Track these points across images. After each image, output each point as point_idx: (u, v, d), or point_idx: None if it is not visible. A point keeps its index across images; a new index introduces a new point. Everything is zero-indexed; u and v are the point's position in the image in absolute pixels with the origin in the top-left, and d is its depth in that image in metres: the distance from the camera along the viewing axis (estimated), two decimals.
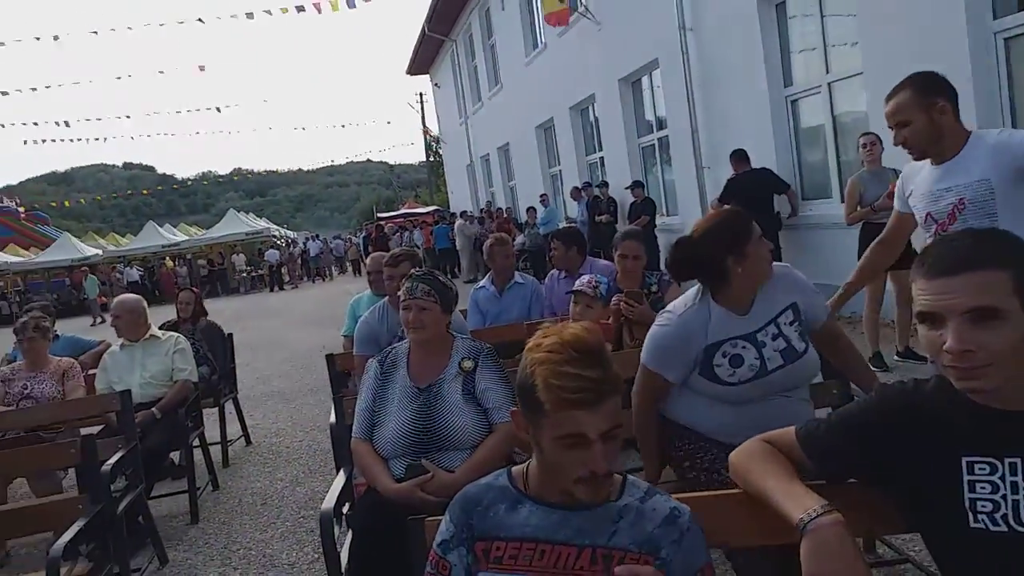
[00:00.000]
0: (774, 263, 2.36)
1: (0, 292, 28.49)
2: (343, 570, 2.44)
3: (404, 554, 2.10)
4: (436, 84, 27.14)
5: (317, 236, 34.68)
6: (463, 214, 20.18)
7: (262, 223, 32.98)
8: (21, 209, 38.60)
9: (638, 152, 12.43)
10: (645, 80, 11.88)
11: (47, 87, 18.54)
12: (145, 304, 4.94)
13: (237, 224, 29.97)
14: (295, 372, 8.89)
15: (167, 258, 30.20)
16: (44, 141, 39.86)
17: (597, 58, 12.66)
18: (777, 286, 2.34)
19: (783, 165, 8.23)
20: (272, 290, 26.42)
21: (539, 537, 1.40)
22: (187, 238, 30.87)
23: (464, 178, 24.99)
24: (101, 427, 4.43)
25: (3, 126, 46.58)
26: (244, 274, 28.44)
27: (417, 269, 2.92)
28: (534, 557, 1.39)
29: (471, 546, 1.44)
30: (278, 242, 30.95)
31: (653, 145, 12.02)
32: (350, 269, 31.25)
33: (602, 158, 13.90)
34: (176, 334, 4.91)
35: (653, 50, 10.68)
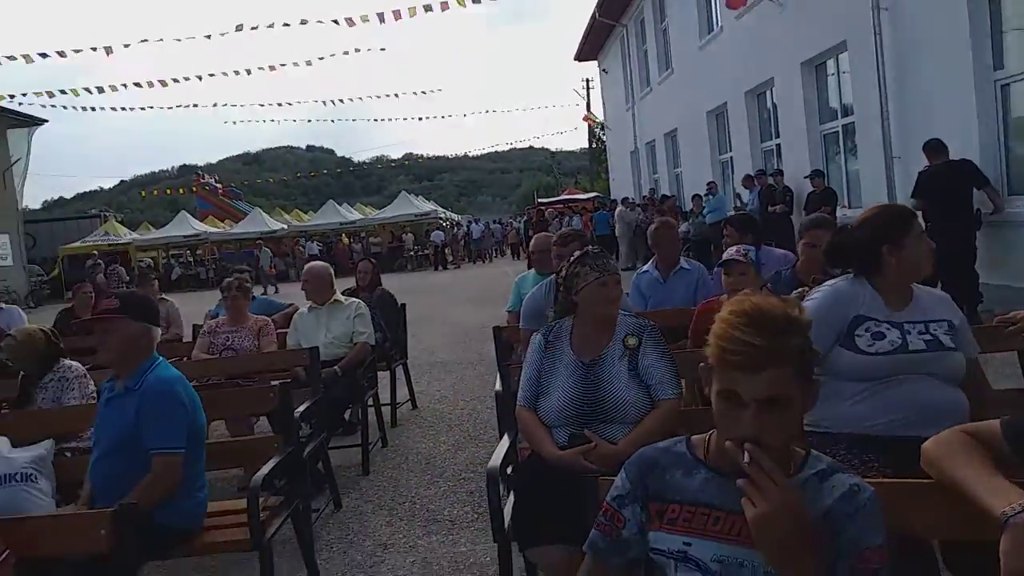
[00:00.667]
0: (937, 291, 2.40)
1: (200, 259, 31.77)
2: (505, 526, 2.55)
3: (563, 516, 2.18)
4: (604, 70, 27.01)
5: (479, 220, 35.74)
6: (624, 201, 20.02)
7: (429, 205, 34.45)
8: (219, 185, 42.70)
9: (819, 139, 11.75)
10: (830, 63, 11.20)
11: (236, 72, 20.09)
12: (331, 271, 5.35)
13: (408, 205, 31.50)
14: (457, 345, 9.26)
15: (343, 235, 32.30)
16: (237, 123, 43.58)
17: (778, 41, 12.08)
18: (940, 303, 2.35)
19: (987, 157, 7.49)
20: (436, 269, 27.55)
21: (714, 504, 1.41)
22: (362, 216, 32.83)
23: (627, 165, 24.75)
24: (289, 380, 4.86)
25: (205, 107, 51.41)
26: (412, 253, 29.84)
27: (593, 247, 2.94)
28: (708, 522, 1.40)
29: (645, 504, 1.47)
30: (443, 224, 32.19)
31: (836, 132, 11.32)
32: (509, 252, 31.96)
33: (778, 145, 13.28)
34: (357, 300, 5.28)
35: (841, 32, 10.04)
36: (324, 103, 71.73)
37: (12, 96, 19.55)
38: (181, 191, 45.45)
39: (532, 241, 5.25)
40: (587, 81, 35.01)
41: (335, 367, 4.79)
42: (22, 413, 3.61)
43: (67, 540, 1.98)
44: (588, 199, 28.36)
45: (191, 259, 32.48)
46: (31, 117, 25.47)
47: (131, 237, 30.99)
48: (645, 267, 4.98)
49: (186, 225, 31.31)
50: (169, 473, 2.64)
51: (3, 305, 7.99)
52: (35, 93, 20.38)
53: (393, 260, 28.99)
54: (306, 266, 5.43)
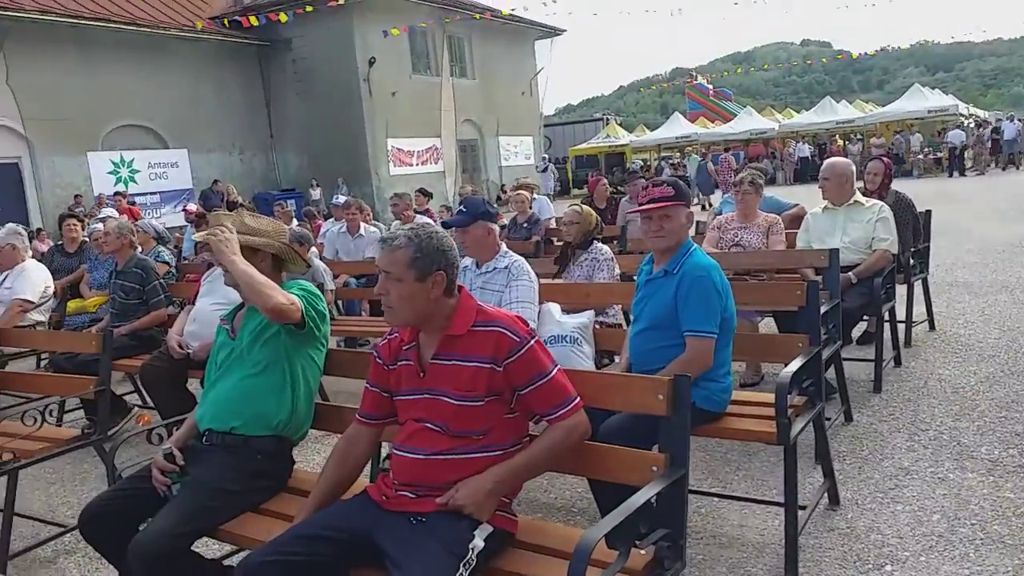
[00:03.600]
0: None
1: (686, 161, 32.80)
2: None
3: None
4: None
5: (1012, 117, 29.49)
6: None
7: (948, 99, 29.55)
8: (710, 87, 43.02)
9: None
10: None
11: None
12: (853, 168, 4.91)
13: (918, 100, 27.57)
14: (982, 265, 7.90)
15: (837, 136, 29.94)
16: (725, 19, 42.64)
17: None
18: None
19: None
20: (951, 175, 23.86)
21: None
22: (861, 115, 29.85)
23: None
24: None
25: (695, 10, 51.35)
26: (920, 156, 26.30)
27: None
28: None
29: None
30: (965, 122, 27.47)
31: None
32: None
33: None
34: (880, 203, 4.78)
35: None
36: None
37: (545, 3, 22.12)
38: (672, 94, 47.10)
39: None
40: None
41: (849, 273, 4.45)
42: (567, 285, 4.14)
43: (629, 398, 2.19)
44: None
45: (681, 160, 33.80)
46: (554, 28, 28.79)
47: (628, 139, 33.43)
48: None
49: (677, 126, 32.49)
50: (702, 354, 2.75)
51: (536, 196, 9.34)
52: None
53: (895, 164, 25.96)
54: (826, 162, 5.09)
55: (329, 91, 21.72)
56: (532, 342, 2.10)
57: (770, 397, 2.74)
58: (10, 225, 5.95)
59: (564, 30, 29.43)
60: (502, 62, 27.11)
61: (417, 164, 24.01)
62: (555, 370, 2.11)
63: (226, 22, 20.35)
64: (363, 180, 22.04)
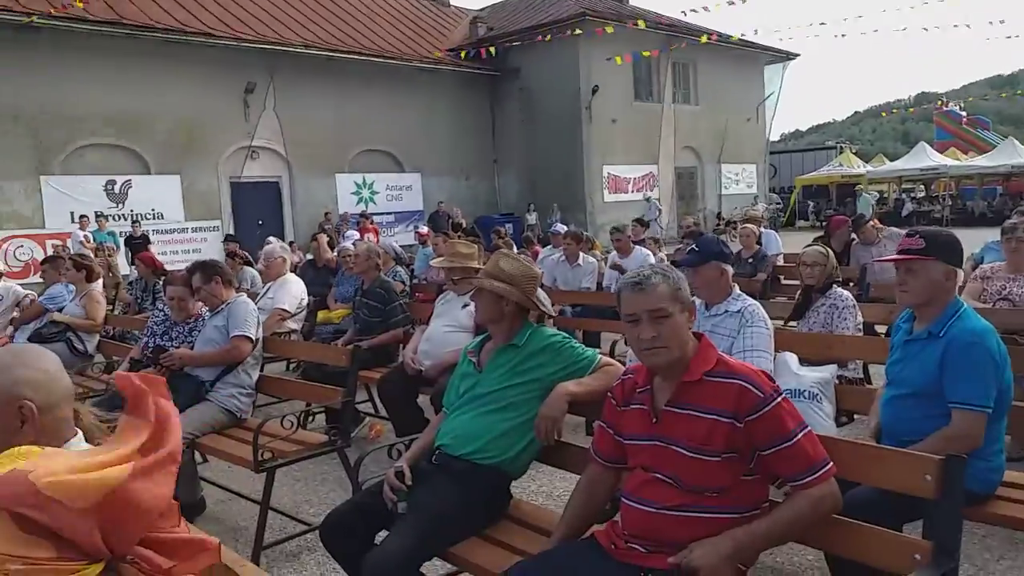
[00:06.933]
0: None
1: (933, 194, 29.74)
2: None
3: None
4: None
5: None
6: None
7: None
8: (963, 113, 38.78)
9: None
10: None
11: None
12: None
13: None
14: None
15: None
16: (990, 40, 38.24)
17: None
18: None
19: None
20: None
21: None
22: None
23: None
24: None
25: (944, 27, 46.56)
26: None
27: None
28: None
29: None
30: None
31: None
32: None
33: None
34: None
35: None
36: None
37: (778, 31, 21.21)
38: (916, 121, 43.14)
39: None
40: None
41: None
42: (807, 335, 3.88)
43: (887, 475, 1.99)
44: None
45: (924, 194, 30.79)
46: (786, 53, 27.54)
47: (864, 168, 31.00)
48: None
49: (923, 157, 29.57)
50: (971, 430, 2.43)
51: (763, 230, 8.93)
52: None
53: None
54: None
55: (551, 118, 22.40)
56: (779, 399, 1.98)
57: None
58: (279, 241, 6.73)
59: (797, 54, 28.11)
60: (728, 87, 26.40)
61: (632, 191, 23.99)
62: (804, 431, 1.97)
63: (463, 54, 21.74)
64: (577, 206, 22.42)
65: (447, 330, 4.52)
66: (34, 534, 0.94)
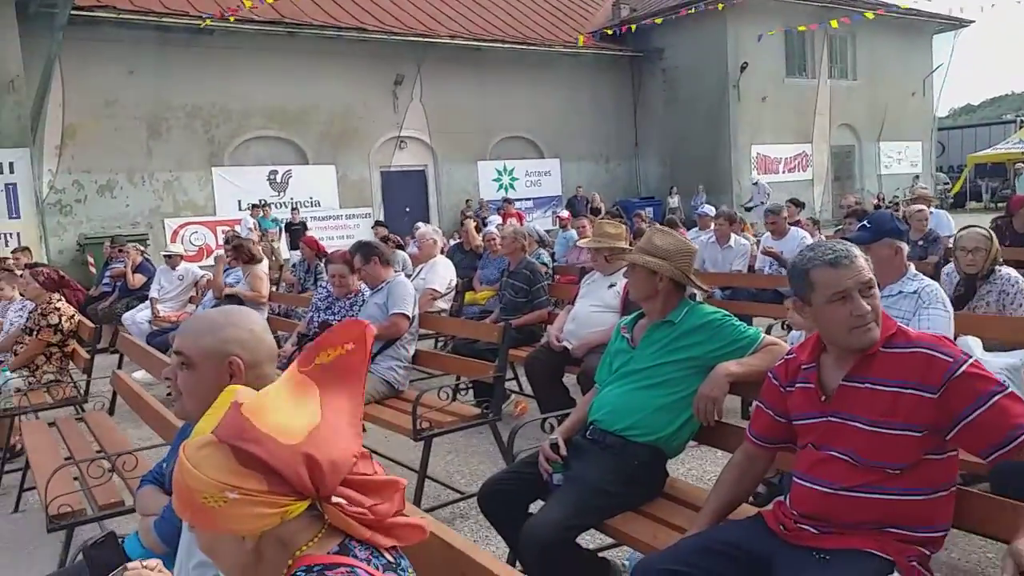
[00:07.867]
0: None
1: None
2: None
3: None
4: None
5: None
6: None
7: None
8: None
9: None
10: None
11: None
12: None
13: None
14: None
15: None
16: None
17: None
18: None
19: None
20: None
21: None
22: None
23: None
24: None
25: None
26: None
27: None
28: None
29: None
30: None
31: None
32: None
33: None
34: None
35: None
36: None
37: None
38: None
39: None
40: None
41: None
42: (990, 318, 3.56)
43: None
44: None
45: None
46: (959, 20, 25.20)
47: None
48: None
49: None
50: None
51: (933, 210, 8.26)
52: None
53: None
54: None
55: (696, 98, 21.71)
56: (972, 360, 1.82)
57: None
58: (430, 225, 6.97)
59: (971, 21, 25.61)
60: (890, 60, 24.52)
61: (784, 171, 22.87)
62: (1007, 389, 1.78)
63: (608, 31, 21.42)
64: (723, 187, 21.64)
65: (593, 310, 4.50)
66: (249, 467, 1.02)
